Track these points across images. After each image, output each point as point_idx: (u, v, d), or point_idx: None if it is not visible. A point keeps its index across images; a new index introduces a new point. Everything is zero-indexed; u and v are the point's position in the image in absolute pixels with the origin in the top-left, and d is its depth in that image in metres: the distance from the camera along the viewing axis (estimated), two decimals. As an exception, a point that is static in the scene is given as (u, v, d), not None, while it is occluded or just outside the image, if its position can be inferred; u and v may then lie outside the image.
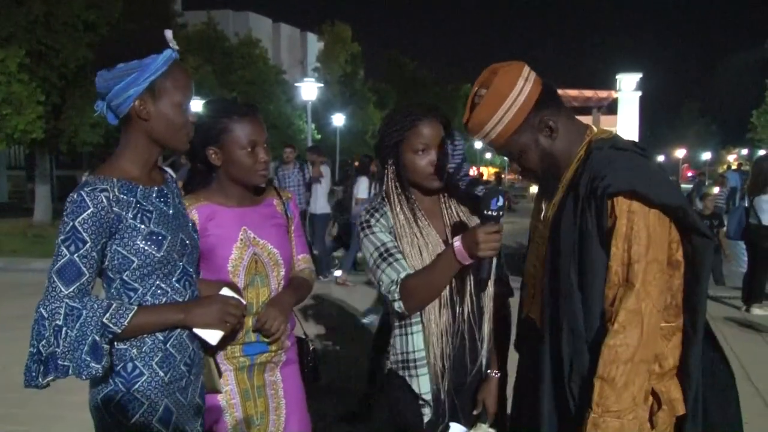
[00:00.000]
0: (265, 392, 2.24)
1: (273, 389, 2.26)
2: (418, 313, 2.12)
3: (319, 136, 31.59)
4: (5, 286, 9.05)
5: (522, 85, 1.84)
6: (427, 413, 2.15)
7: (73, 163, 28.00)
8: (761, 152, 24.87)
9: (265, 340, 2.20)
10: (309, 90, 14.18)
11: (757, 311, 7.61)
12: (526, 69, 1.87)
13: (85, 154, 24.32)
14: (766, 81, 29.58)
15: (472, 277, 2.15)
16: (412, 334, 2.13)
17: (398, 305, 2.05)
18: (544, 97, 1.86)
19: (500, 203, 1.95)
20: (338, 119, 28.49)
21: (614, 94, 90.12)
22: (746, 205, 7.88)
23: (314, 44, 43.96)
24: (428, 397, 2.13)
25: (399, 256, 2.09)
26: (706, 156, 60.57)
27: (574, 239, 1.79)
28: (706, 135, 73.43)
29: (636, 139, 2.09)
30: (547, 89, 1.88)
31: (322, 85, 17.29)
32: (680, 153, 52.67)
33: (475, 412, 2.24)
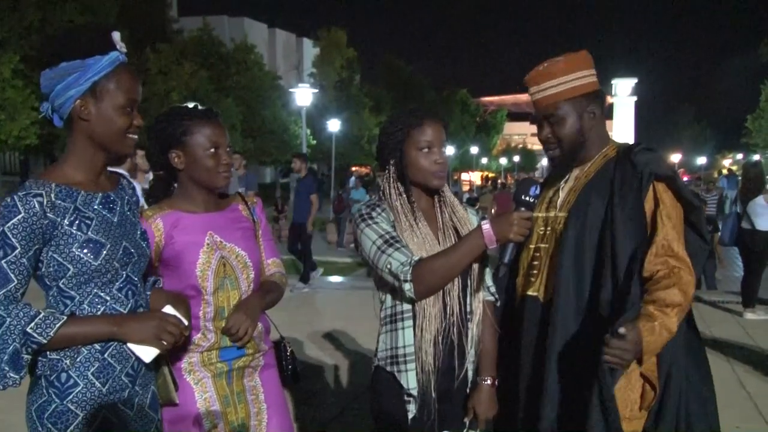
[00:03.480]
0: (245, 398, 2.22)
1: (253, 394, 2.24)
2: (410, 307, 2.13)
3: (315, 142, 31.58)
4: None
5: (592, 74, 2.16)
6: (411, 410, 2.15)
7: (68, 169, 27.92)
8: (755, 157, 24.92)
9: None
10: (304, 95, 14.18)
11: (749, 316, 7.60)
12: (595, 72, 2.18)
13: (56, 161, 24.32)
14: (760, 86, 29.69)
15: (460, 280, 2.17)
16: (403, 329, 2.14)
17: (408, 287, 2.04)
18: (599, 94, 2.18)
19: (537, 191, 2.08)
20: (334, 125, 28.44)
21: (610, 99, 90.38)
22: (738, 210, 7.89)
23: (310, 49, 43.99)
24: (415, 392, 2.13)
25: (405, 243, 2.11)
26: (702, 161, 60.72)
27: (630, 215, 2.04)
28: (701, 140, 73.68)
29: (623, 141, 2.26)
30: (602, 95, 2.20)
31: (316, 90, 17.31)
32: (675, 158, 52.85)
33: (465, 420, 2.24)
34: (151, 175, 3.27)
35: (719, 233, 8.57)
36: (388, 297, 2.18)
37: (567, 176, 2.24)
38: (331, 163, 28.96)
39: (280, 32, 51.53)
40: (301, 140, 14.23)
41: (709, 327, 6.84)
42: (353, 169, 37.30)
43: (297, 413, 4.48)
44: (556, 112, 2.14)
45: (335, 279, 11.06)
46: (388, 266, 2.07)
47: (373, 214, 2.17)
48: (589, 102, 2.14)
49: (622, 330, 1.78)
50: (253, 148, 29.00)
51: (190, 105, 2.21)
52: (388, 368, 2.16)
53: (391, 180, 2.21)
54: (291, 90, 16.54)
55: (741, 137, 33.64)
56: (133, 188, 2.04)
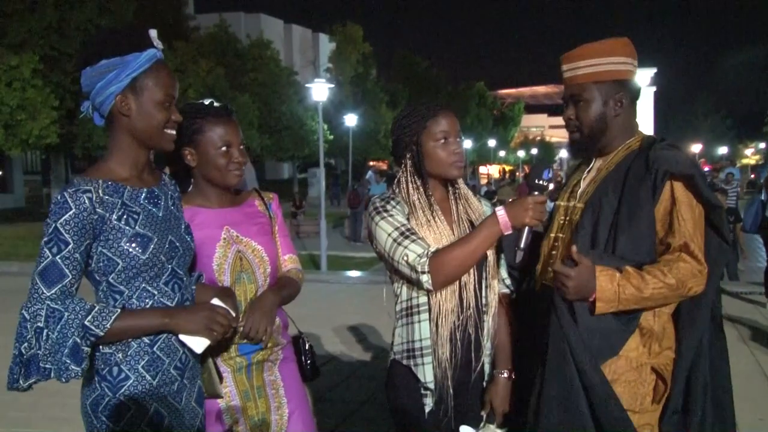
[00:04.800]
0: (265, 392, 2.23)
1: (273, 388, 2.25)
2: (426, 300, 2.12)
3: (332, 137, 31.60)
4: (22, 290, 9.10)
5: (628, 62, 2.12)
6: (428, 403, 2.16)
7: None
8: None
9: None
10: (320, 91, 14.16)
11: (773, 306, 7.51)
12: (636, 62, 2.15)
13: (99, 158, 24.57)
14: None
15: (476, 272, 2.17)
16: (419, 322, 2.14)
17: (426, 278, 2.04)
18: (630, 85, 2.14)
19: (550, 174, 2.09)
20: (350, 119, 28.42)
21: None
22: (762, 198, 7.78)
23: (326, 45, 43.90)
24: (432, 385, 2.12)
25: (421, 236, 2.10)
26: (723, 150, 59.90)
27: (633, 213, 2.01)
28: (722, 129, 72.65)
29: (651, 134, 2.22)
30: (635, 85, 2.17)
31: (332, 85, 17.22)
32: (696, 148, 52.15)
33: (483, 413, 2.23)
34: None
35: (741, 223, 8.46)
36: (404, 290, 2.18)
37: (590, 166, 2.22)
38: (348, 158, 28.98)
39: (296, 28, 51.55)
40: (318, 135, 14.22)
41: (731, 318, 6.76)
42: (371, 163, 37.28)
43: (315, 408, 4.49)
44: (582, 94, 2.12)
45: (353, 274, 11.07)
46: (405, 258, 2.07)
47: (388, 206, 2.16)
48: (619, 89, 2.11)
49: (574, 253, 1.88)
50: (270, 144, 29.09)
51: (206, 101, 2.22)
52: (405, 362, 2.16)
53: (408, 174, 2.20)
54: (307, 85, 16.47)
55: (763, 126, 33.21)
56: (175, 184, 2.07)
